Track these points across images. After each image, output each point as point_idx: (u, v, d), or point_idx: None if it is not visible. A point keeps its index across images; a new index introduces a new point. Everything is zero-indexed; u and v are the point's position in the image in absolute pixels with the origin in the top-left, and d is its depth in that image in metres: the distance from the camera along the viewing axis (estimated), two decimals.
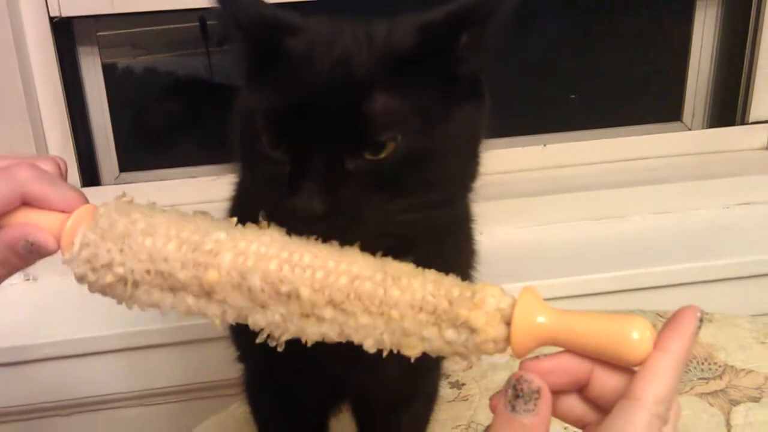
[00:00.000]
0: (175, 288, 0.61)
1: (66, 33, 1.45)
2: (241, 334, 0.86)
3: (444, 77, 0.67)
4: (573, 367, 0.57)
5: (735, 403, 1.12)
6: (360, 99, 0.63)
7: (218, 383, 1.33)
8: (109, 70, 1.54)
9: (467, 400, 1.15)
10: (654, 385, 0.53)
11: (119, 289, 0.61)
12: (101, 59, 1.51)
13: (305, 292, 0.59)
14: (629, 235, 1.54)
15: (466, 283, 0.61)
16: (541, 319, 0.56)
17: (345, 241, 0.63)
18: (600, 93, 1.81)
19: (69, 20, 1.41)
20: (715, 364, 1.19)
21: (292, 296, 0.59)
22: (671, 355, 0.53)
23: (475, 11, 0.65)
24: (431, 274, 0.61)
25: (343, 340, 0.60)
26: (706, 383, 1.16)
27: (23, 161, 0.65)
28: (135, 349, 1.33)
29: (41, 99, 1.40)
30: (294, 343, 0.61)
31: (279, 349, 0.61)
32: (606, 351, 0.55)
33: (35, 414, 1.38)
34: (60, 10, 1.36)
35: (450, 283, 0.60)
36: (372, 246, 0.63)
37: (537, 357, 0.57)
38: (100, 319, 1.31)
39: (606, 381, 0.56)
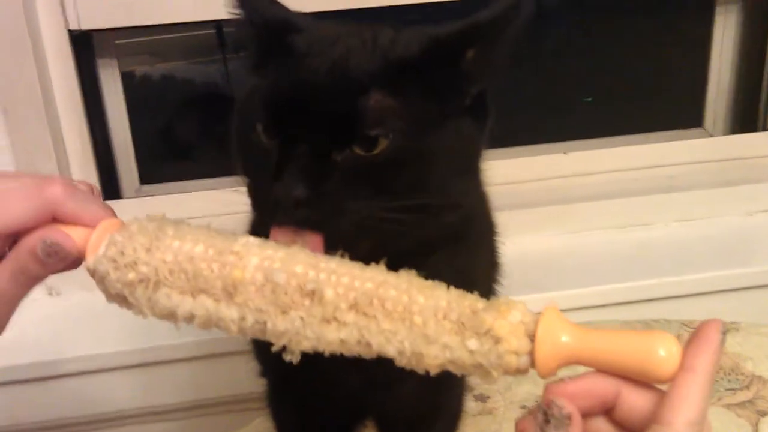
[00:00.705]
0: (196, 290, 0.60)
1: (85, 45, 1.45)
2: (263, 349, 0.86)
3: (445, 89, 0.68)
4: (599, 388, 0.56)
5: (763, 414, 1.10)
6: (355, 93, 0.64)
7: (242, 397, 1.32)
8: (126, 78, 1.54)
9: (492, 413, 1.14)
10: (684, 408, 0.52)
11: (139, 290, 0.61)
12: (118, 55, 1.51)
13: (329, 294, 0.58)
14: (652, 243, 1.53)
15: (491, 300, 0.60)
16: (565, 338, 0.56)
17: (326, 234, 0.63)
18: (619, 98, 1.79)
19: (88, 33, 1.40)
20: (742, 374, 1.18)
21: (316, 297, 0.59)
22: (699, 374, 0.53)
23: (484, 29, 0.66)
24: (456, 291, 0.61)
25: (362, 350, 0.59)
26: (734, 394, 1.14)
27: (58, 178, 0.65)
28: (158, 364, 1.33)
29: (61, 113, 1.40)
30: (311, 359, 0.60)
31: (294, 361, 0.60)
32: (632, 369, 0.55)
33: (58, 429, 1.37)
34: (79, 22, 1.36)
35: (475, 297, 0.60)
36: (372, 254, 0.62)
37: (562, 380, 0.57)
38: (123, 335, 1.31)
39: (633, 402, 0.55)
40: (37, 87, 1.33)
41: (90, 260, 0.62)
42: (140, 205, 1.49)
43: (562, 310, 1.31)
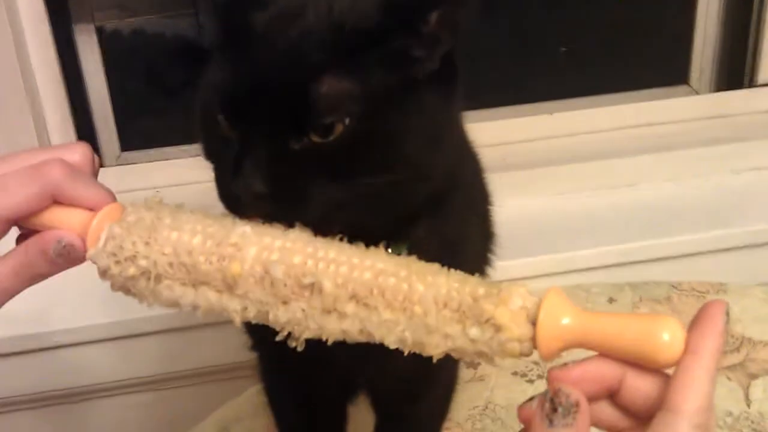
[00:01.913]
0: (197, 282, 0.61)
1: (61, 11, 1.41)
2: (253, 325, 0.86)
3: (408, 57, 0.65)
4: (603, 373, 0.56)
5: (754, 376, 1.11)
6: (307, 81, 0.62)
7: (235, 366, 1.32)
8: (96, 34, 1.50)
9: (483, 380, 1.14)
10: (692, 394, 0.52)
11: (141, 283, 0.61)
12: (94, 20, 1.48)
13: (328, 286, 0.58)
14: (639, 204, 1.52)
15: (492, 282, 0.60)
16: (566, 320, 0.55)
17: (291, 223, 0.62)
18: (602, 54, 1.78)
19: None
20: (732, 337, 1.18)
21: (315, 289, 0.59)
22: (704, 358, 0.52)
23: None
24: (457, 274, 0.61)
25: (365, 339, 0.60)
26: (724, 357, 1.14)
27: (53, 158, 0.64)
28: (149, 334, 1.32)
29: (39, 82, 1.38)
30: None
31: (299, 349, 0.60)
32: (636, 353, 0.54)
33: (48, 401, 1.37)
34: None
35: (476, 281, 0.60)
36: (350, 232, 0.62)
37: (565, 364, 0.56)
38: (112, 305, 1.30)
39: (638, 386, 0.55)
40: (14, 56, 1.31)
41: (91, 252, 0.62)
42: (122, 174, 1.48)
43: (551, 275, 1.32)
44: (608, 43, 1.76)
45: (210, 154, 0.70)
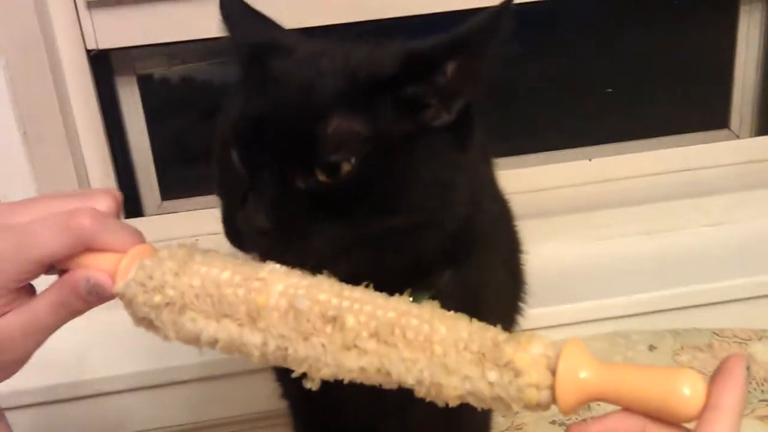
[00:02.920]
0: (220, 315, 0.61)
1: (103, 64, 1.45)
2: (282, 373, 0.87)
3: (422, 106, 0.66)
4: (623, 428, 0.55)
5: None
6: (315, 119, 0.63)
7: (266, 414, 1.31)
8: (144, 81, 1.53)
9: (521, 429, 1.13)
10: None
11: (165, 314, 0.62)
12: (136, 71, 1.51)
13: (351, 321, 0.59)
14: (680, 249, 1.50)
15: (513, 333, 0.60)
16: (585, 374, 0.55)
17: (293, 262, 0.63)
18: (643, 100, 1.76)
19: (106, 52, 1.41)
20: None
21: (337, 325, 0.59)
22: (726, 412, 0.52)
23: (464, 42, 0.65)
24: (479, 323, 0.61)
25: (382, 379, 0.59)
26: (763, 406, 1.12)
27: (84, 206, 0.66)
28: (186, 383, 1.32)
29: (81, 134, 1.40)
30: (327, 386, 0.61)
31: (314, 389, 0.60)
32: (656, 407, 0.54)
33: None
34: (96, 42, 1.36)
35: (497, 330, 0.60)
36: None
37: (584, 420, 0.56)
38: (149, 354, 1.30)
39: None
40: (56, 109, 1.33)
41: (120, 285, 0.64)
42: (162, 223, 1.49)
43: (589, 321, 1.30)
44: (648, 87, 1.75)
45: (221, 190, 0.71)
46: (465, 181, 0.71)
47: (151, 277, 0.62)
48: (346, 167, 0.63)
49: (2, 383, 0.69)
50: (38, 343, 0.68)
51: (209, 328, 0.61)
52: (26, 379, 1.23)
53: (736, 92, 1.70)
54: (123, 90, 1.50)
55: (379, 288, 0.62)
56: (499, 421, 1.14)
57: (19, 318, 0.65)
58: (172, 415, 1.37)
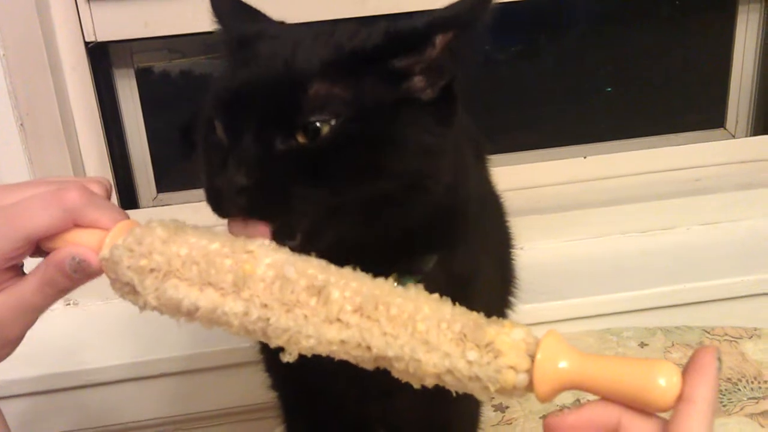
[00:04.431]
0: (204, 284, 0.61)
1: (101, 56, 1.45)
2: (271, 363, 0.88)
3: (406, 78, 0.67)
4: (599, 418, 0.56)
5: None
6: (297, 84, 0.64)
7: (256, 407, 1.32)
8: (143, 74, 1.54)
9: (511, 424, 1.13)
10: None
11: (149, 279, 0.62)
12: (135, 64, 1.52)
13: (336, 294, 0.59)
14: (674, 248, 1.51)
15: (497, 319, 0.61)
16: (563, 363, 0.56)
17: (275, 222, 0.64)
18: (639, 99, 1.77)
19: (104, 44, 1.41)
20: (765, 382, 1.16)
21: (322, 297, 0.59)
22: (699, 405, 0.52)
23: (450, 21, 0.66)
24: (463, 307, 0.61)
25: (360, 353, 0.59)
26: (756, 403, 1.12)
27: (73, 182, 0.67)
28: (177, 374, 1.32)
29: (78, 125, 1.41)
30: (311, 368, 0.61)
31: (291, 361, 0.60)
32: (632, 397, 0.54)
33: None
34: (95, 34, 1.36)
35: (480, 315, 0.60)
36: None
37: (561, 410, 0.57)
38: (142, 344, 1.31)
39: (635, 429, 0.55)
40: (54, 101, 1.34)
41: (105, 251, 0.64)
42: (157, 214, 1.49)
43: (582, 318, 1.31)
44: (645, 86, 1.76)
45: (204, 158, 0.71)
46: (448, 152, 0.72)
47: (140, 243, 0.62)
48: (325, 129, 0.64)
49: None
50: (27, 325, 0.68)
51: (191, 296, 0.61)
52: (19, 370, 1.27)
53: (733, 92, 1.71)
54: (121, 83, 1.51)
55: (365, 269, 0.63)
56: (489, 416, 1.14)
57: (8, 298, 0.66)
58: (162, 407, 1.37)
